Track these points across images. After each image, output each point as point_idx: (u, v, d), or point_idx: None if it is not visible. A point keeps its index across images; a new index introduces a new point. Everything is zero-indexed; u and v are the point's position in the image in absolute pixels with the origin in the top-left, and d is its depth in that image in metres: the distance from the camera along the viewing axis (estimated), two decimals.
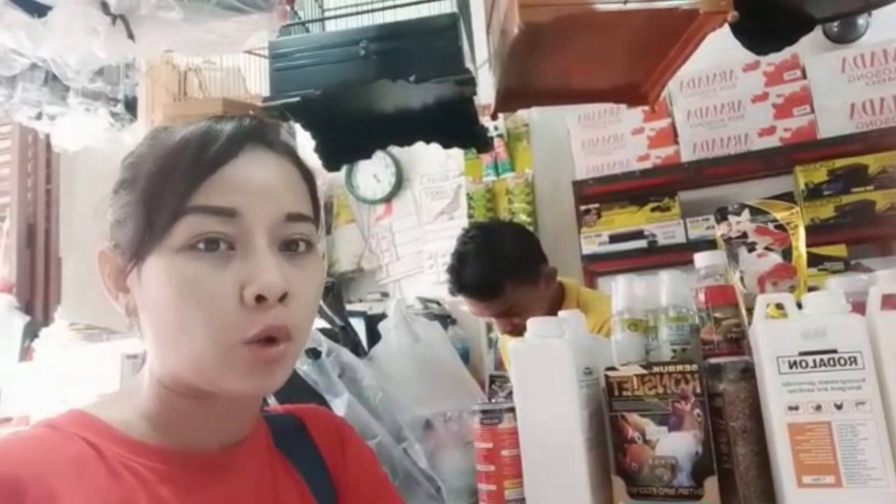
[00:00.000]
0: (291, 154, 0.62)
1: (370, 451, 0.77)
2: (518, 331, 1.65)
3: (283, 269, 0.55)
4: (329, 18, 1.55)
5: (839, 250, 1.99)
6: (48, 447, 0.53)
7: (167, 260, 0.53)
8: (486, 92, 1.42)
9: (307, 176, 0.62)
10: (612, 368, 0.77)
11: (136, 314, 0.58)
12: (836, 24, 2.22)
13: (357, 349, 1.02)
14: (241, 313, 0.53)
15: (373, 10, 1.47)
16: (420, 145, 1.63)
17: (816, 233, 2.02)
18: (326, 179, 2.81)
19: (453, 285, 1.59)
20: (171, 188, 0.54)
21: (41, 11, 1.06)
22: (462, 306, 2.06)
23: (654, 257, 2.24)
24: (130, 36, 1.04)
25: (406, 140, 1.65)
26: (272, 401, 0.82)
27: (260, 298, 0.53)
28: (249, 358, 0.53)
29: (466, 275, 1.56)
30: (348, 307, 2.20)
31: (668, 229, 2.25)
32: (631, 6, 0.99)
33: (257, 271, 0.53)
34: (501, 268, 1.54)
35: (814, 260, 1.94)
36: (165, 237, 0.53)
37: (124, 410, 0.58)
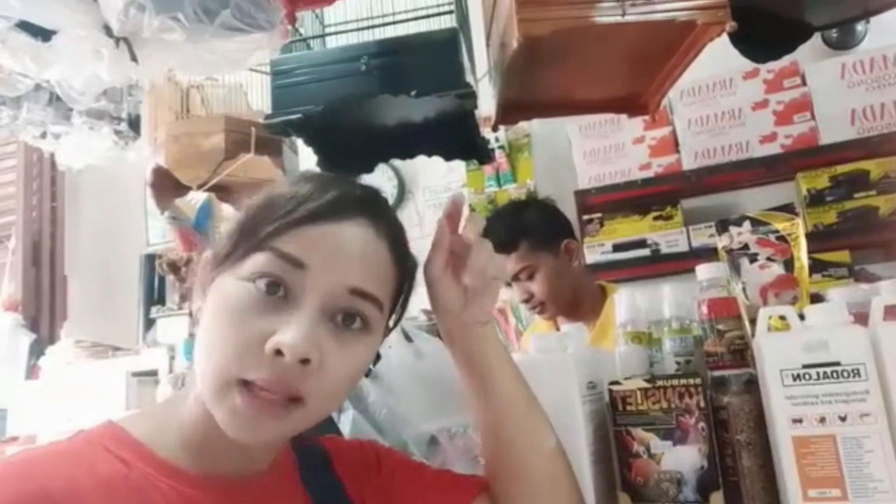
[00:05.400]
0: (392, 238, 0.62)
1: (400, 452, 0.79)
2: (535, 305, 1.78)
3: (319, 337, 0.55)
4: (330, 35, 1.56)
5: (843, 256, 2.00)
6: (82, 463, 0.53)
7: (230, 283, 0.57)
8: (486, 103, 1.43)
9: (399, 263, 0.63)
10: (616, 382, 0.77)
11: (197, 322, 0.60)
12: (834, 30, 2.23)
13: None
14: (258, 356, 0.53)
15: (373, 27, 1.48)
16: (422, 158, 1.64)
17: (820, 239, 2.02)
18: None
19: None
20: (261, 227, 0.58)
21: (46, 35, 1.07)
22: None
23: (658, 266, 2.25)
24: (133, 58, 1.05)
25: (408, 153, 1.66)
26: None
27: (278, 353, 0.53)
28: (242, 399, 0.53)
29: (489, 230, 1.73)
30: None
31: (670, 238, 2.25)
32: (629, 18, 1.00)
33: (289, 327, 0.53)
34: (520, 226, 1.74)
35: (818, 266, 1.94)
36: (237, 264, 0.57)
37: (158, 427, 0.59)
